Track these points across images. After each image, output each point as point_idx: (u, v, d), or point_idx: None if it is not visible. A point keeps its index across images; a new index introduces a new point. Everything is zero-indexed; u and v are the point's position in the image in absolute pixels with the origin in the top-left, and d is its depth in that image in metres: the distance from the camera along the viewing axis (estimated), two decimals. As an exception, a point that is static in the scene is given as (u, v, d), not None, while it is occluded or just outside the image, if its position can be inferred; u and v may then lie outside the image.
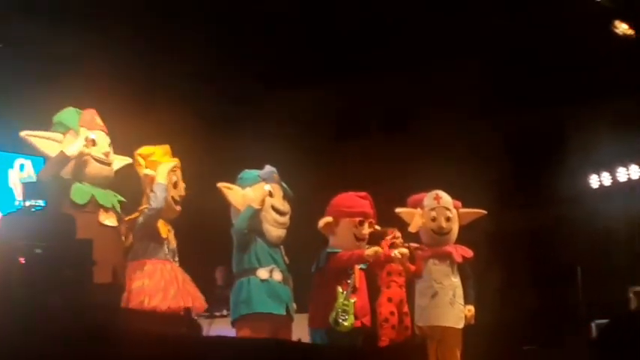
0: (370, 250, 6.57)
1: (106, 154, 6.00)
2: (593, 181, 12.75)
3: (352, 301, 6.55)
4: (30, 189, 5.12)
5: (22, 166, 9.43)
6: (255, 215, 6.38)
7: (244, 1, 10.83)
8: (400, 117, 14.69)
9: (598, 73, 11.92)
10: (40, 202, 4.93)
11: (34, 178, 6.08)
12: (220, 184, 6.56)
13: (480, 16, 11.76)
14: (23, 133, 5.89)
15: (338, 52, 12.65)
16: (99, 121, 6.13)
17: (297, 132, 13.23)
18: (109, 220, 5.87)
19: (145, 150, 6.35)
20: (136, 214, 6.13)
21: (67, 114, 6.04)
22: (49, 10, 9.27)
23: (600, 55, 11.59)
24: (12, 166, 9.42)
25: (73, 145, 5.82)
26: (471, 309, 7.19)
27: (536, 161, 13.65)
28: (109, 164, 6.04)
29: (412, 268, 7.07)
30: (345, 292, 6.57)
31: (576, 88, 12.45)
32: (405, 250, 6.87)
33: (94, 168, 5.92)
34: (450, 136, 13.61)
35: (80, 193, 5.77)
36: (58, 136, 5.97)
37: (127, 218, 6.11)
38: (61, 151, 5.77)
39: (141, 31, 10.09)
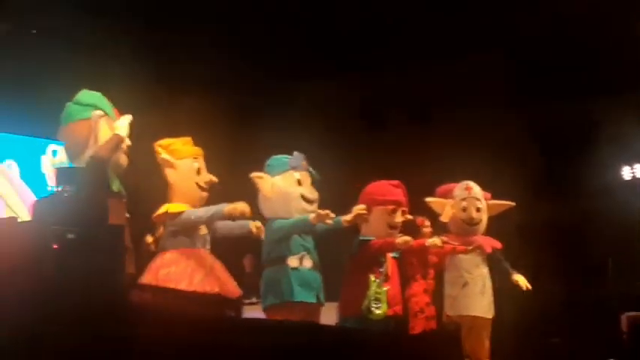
0: (401, 239, 6.57)
1: (128, 147, 6.01)
2: (625, 172, 12.68)
3: (385, 289, 6.58)
4: (63, 174, 5.14)
5: (54, 152, 9.50)
6: (308, 226, 6.34)
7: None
8: (431, 107, 14.64)
9: (631, 64, 11.81)
10: (73, 188, 4.94)
11: (66, 164, 6.07)
12: (253, 174, 6.57)
13: (511, 5, 11.67)
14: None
15: (365, 41, 12.61)
16: (117, 111, 6.15)
17: (325, 122, 13.22)
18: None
19: (164, 141, 6.36)
20: (165, 208, 6.10)
21: (100, 98, 6.02)
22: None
23: (635, 45, 11.49)
24: (45, 152, 9.50)
25: (122, 129, 5.81)
26: (520, 278, 7.19)
27: (567, 153, 13.55)
28: (127, 155, 6.05)
29: (452, 250, 7.07)
30: (377, 281, 6.60)
31: (608, 79, 12.34)
32: (438, 240, 6.86)
33: (122, 158, 5.94)
34: (481, 127, 13.54)
35: (114, 181, 5.81)
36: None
37: (156, 213, 6.11)
38: (117, 134, 5.76)
39: (163, 21, 10.12)
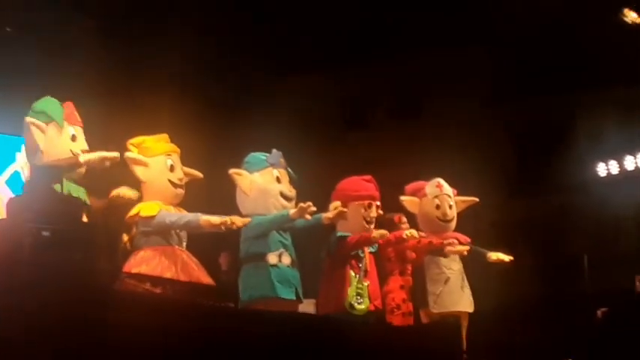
0: (377, 232, 6.62)
1: (84, 152, 5.99)
2: (601, 169, 12.75)
3: (366, 284, 6.65)
4: (35, 173, 5.14)
5: (27, 151, 9.44)
6: (288, 221, 6.35)
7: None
8: (407, 105, 14.68)
9: (606, 61, 11.89)
10: (46, 185, 4.93)
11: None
12: (231, 171, 6.56)
13: (488, 4, 11.73)
14: (29, 119, 5.91)
15: (346, 39, 12.63)
16: (77, 116, 6.13)
17: (303, 119, 13.23)
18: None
19: (136, 139, 6.32)
20: (137, 209, 6.05)
21: (51, 104, 6.02)
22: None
23: (608, 43, 11.56)
24: (19, 149, 9.44)
25: (86, 157, 5.77)
26: (496, 254, 7.26)
27: (543, 149, 13.63)
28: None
29: (428, 243, 7.11)
30: (357, 276, 6.63)
31: (583, 77, 12.42)
32: (415, 232, 6.91)
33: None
34: (457, 124, 13.60)
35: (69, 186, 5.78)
36: (41, 125, 5.99)
37: (129, 214, 6.07)
38: (77, 158, 5.73)
39: (146, 16, 10.09)
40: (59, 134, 5.89)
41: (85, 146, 5.98)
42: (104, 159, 5.75)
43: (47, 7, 9.19)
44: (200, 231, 6.05)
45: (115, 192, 5.99)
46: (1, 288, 4.07)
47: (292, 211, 6.30)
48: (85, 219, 5.56)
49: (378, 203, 6.93)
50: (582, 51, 12.05)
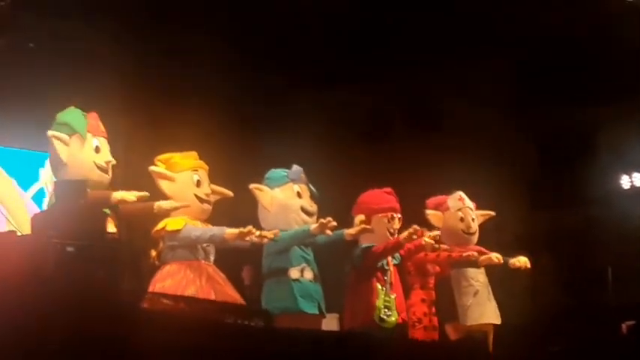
0: (404, 234, 6.60)
1: (107, 163, 6.00)
2: (625, 181, 12.68)
3: (393, 296, 6.64)
4: (60, 188, 5.14)
5: (51, 163, 9.48)
6: (309, 237, 6.35)
7: (271, 1, 10.85)
8: (428, 117, 14.64)
9: (630, 73, 11.84)
10: (71, 201, 4.93)
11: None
12: (252, 186, 6.57)
13: (510, 14, 11.70)
14: (51, 133, 5.92)
15: (365, 52, 12.62)
16: (102, 127, 6.14)
17: (323, 131, 13.22)
18: (109, 226, 5.86)
19: (163, 155, 6.34)
20: (163, 224, 6.06)
21: (74, 116, 6.03)
22: (80, 10, 9.33)
23: (633, 55, 11.52)
24: (43, 165, 9.48)
25: (123, 195, 5.74)
26: (516, 259, 7.20)
27: (566, 161, 13.55)
28: (107, 172, 6.04)
29: (447, 257, 7.09)
30: (384, 289, 6.62)
31: (607, 88, 12.36)
32: (435, 233, 6.89)
33: (95, 175, 5.93)
34: (479, 136, 13.55)
35: None
36: (64, 137, 5.99)
37: (156, 229, 6.08)
38: (110, 195, 5.71)
39: (168, 31, 10.13)
40: (82, 146, 5.91)
41: (109, 157, 6.01)
42: (139, 198, 5.75)
43: (70, 21, 9.25)
44: (226, 245, 6.06)
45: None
46: (25, 304, 4.08)
47: (313, 227, 6.31)
48: (111, 228, 5.61)
49: (400, 216, 6.92)
50: (607, 62, 11.99)
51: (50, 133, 5.90)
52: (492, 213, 7.62)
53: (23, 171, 9.40)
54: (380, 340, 6.16)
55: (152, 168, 6.20)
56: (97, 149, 5.99)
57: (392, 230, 6.84)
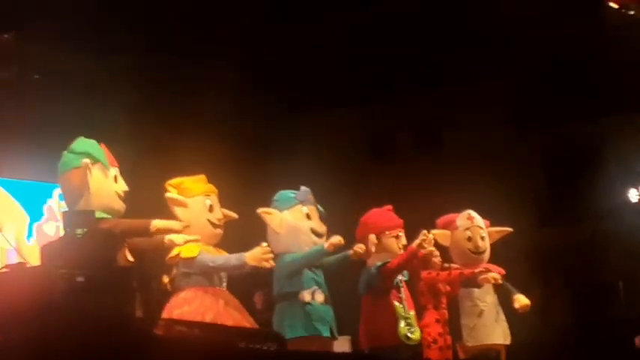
0: (416, 241, 6.59)
1: (125, 192, 6.01)
2: (632, 195, 12.67)
3: (412, 313, 6.65)
4: (69, 218, 5.14)
5: (61, 196, 9.51)
6: (323, 255, 6.35)
7: (278, 24, 10.91)
8: (434, 136, 14.66)
9: (636, 86, 11.85)
10: (80, 232, 4.93)
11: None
12: (260, 210, 6.55)
13: (515, 33, 11.74)
14: (85, 161, 5.88)
15: (370, 75, 12.66)
16: (112, 157, 6.16)
17: (330, 153, 13.24)
18: (129, 255, 5.86)
19: (175, 180, 6.34)
20: (177, 250, 6.05)
21: (92, 146, 6.01)
22: (85, 42, 9.39)
23: (637, 67, 11.53)
24: (51, 196, 9.51)
25: (161, 223, 5.77)
26: (518, 296, 7.16)
27: (574, 176, 13.54)
28: (124, 201, 6.04)
29: (459, 275, 7.07)
30: (402, 306, 6.62)
31: (613, 102, 12.36)
32: (432, 248, 6.87)
33: (117, 204, 5.94)
34: (485, 153, 13.55)
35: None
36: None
37: (169, 256, 6.06)
38: (149, 224, 5.73)
39: (173, 57, 10.18)
40: (105, 176, 5.90)
41: (125, 187, 6.01)
42: (172, 230, 5.75)
43: (74, 53, 9.30)
44: (243, 271, 6.06)
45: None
46: (35, 334, 4.07)
47: (327, 244, 6.30)
48: (129, 257, 5.61)
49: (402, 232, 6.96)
50: (612, 76, 12.01)
51: (84, 161, 5.84)
52: (509, 229, 7.57)
53: (30, 202, 9.43)
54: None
55: (168, 195, 6.20)
56: (115, 179, 6.00)
57: (400, 246, 6.85)
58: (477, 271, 7.08)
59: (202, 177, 6.39)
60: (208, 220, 6.20)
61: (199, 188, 6.29)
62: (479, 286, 7.16)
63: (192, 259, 5.95)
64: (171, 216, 6.14)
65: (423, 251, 6.78)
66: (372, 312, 6.73)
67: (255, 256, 5.91)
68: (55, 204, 9.45)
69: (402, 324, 6.59)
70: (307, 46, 11.37)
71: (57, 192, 9.49)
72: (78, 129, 6.28)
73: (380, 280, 6.71)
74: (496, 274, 7.14)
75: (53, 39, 9.19)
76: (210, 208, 6.24)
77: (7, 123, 8.78)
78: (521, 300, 7.20)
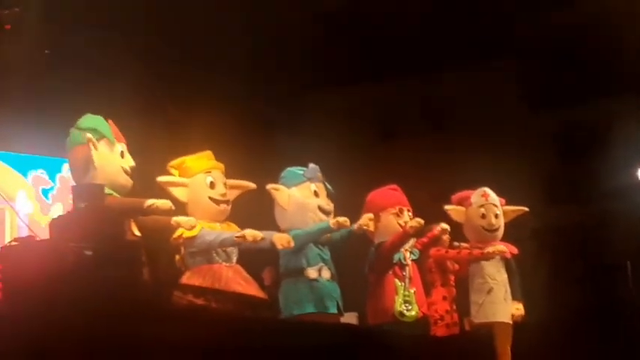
0: (412, 222, 6.62)
1: (132, 168, 6.01)
2: (641, 174, 12.65)
3: (412, 290, 6.67)
4: (78, 192, 5.16)
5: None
6: (328, 231, 6.36)
7: (285, 2, 10.87)
8: (444, 115, 14.64)
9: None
10: (89, 205, 4.95)
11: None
12: (269, 186, 6.55)
13: (527, 11, 11.69)
14: (88, 136, 5.88)
15: (380, 52, 12.63)
16: (120, 133, 6.16)
17: (339, 131, 13.22)
18: (135, 229, 5.88)
19: (176, 161, 6.33)
20: (180, 231, 6.04)
21: (99, 121, 6.02)
22: (96, 19, 9.38)
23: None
24: (60, 171, 9.54)
25: (156, 202, 5.71)
26: (519, 307, 7.20)
27: (582, 156, 13.52)
28: (131, 177, 6.05)
29: (469, 254, 7.10)
30: (403, 284, 6.65)
31: (621, 80, 12.32)
32: (446, 225, 6.89)
33: (122, 179, 5.95)
34: (495, 133, 13.53)
35: None
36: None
37: (174, 236, 6.07)
38: (142, 203, 5.72)
39: (179, 36, 10.17)
40: (111, 151, 5.91)
41: (132, 162, 6.02)
42: (170, 210, 5.76)
43: (85, 29, 9.29)
44: (240, 246, 6.06)
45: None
46: (44, 307, 4.10)
47: (332, 222, 6.32)
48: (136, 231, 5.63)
49: (409, 209, 6.95)
50: (619, 54, 11.96)
51: (87, 135, 5.86)
52: (525, 209, 7.56)
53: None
54: (379, 334, 6.19)
55: (160, 179, 6.18)
56: (122, 154, 6.01)
57: (402, 224, 6.85)
58: (486, 251, 7.09)
59: (207, 153, 6.36)
60: (210, 198, 6.18)
61: (200, 166, 6.27)
62: (488, 259, 7.18)
63: (194, 237, 5.96)
64: (170, 198, 6.11)
65: (436, 233, 6.80)
66: (373, 290, 6.79)
67: (246, 235, 5.88)
68: (65, 178, 9.49)
69: (399, 301, 6.62)
70: (316, 27, 11.34)
71: (66, 166, 9.52)
72: (87, 104, 6.30)
73: (377, 258, 6.75)
74: (502, 246, 7.15)
75: (63, 14, 9.19)
76: (212, 185, 6.22)
77: (17, 97, 8.80)
78: (515, 308, 7.20)
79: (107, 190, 5.56)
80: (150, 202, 5.63)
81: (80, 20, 9.26)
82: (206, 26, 10.35)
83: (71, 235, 4.56)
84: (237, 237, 5.90)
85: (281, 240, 6.03)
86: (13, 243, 4.90)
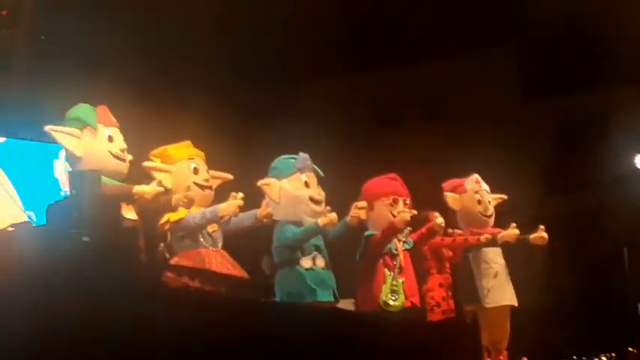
0: (399, 217, 6.62)
1: (123, 151, 6.04)
2: (638, 161, 12.63)
3: (401, 280, 6.66)
4: (75, 179, 5.17)
5: (67, 157, 9.52)
6: (319, 231, 6.38)
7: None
8: (441, 102, 14.63)
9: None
10: (85, 191, 4.96)
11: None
12: (260, 183, 6.55)
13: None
14: (48, 128, 5.97)
15: (371, 41, 12.61)
16: (112, 117, 6.18)
17: (334, 121, 13.21)
18: (130, 213, 5.89)
19: (158, 150, 6.36)
20: (167, 216, 6.06)
21: (83, 110, 6.10)
22: (91, 6, 9.37)
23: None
24: (57, 157, 9.52)
25: (143, 188, 5.76)
26: (536, 234, 7.21)
27: (580, 143, 13.52)
28: (124, 160, 6.07)
29: (464, 241, 7.13)
30: (392, 273, 6.65)
31: (618, 69, 12.31)
32: (442, 220, 6.90)
33: (112, 164, 5.96)
34: (492, 120, 13.52)
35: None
36: (75, 131, 6.04)
37: (160, 222, 6.08)
38: (130, 190, 5.74)
39: (172, 24, 10.15)
40: (94, 137, 5.96)
41: (123, 145, 6.05)
42: (158, 194, 5.76)
43: (80, 16, 9.28)
44: (224, 222, 6.09)
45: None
46: (42, 294, 4.10)
47: (322, 221, 6.30)
48: (131, 215, 5.64)
49: (406, 199, 6.93)
50: (619, 44, 11.95)
51: (60, 129, 5.92)
52: (504, 196, 7.62)
53: (36, 163, 9.43)
54: (364, 320, 6.22)
55: (146, 163, 6.21)
56: (110, 138, 6.03)
57: (395, 213, 6.84)
58: (482, 238, 7.12)
59: (187, 142, 6.42)
60: (195, 183, 6.23)
61: (182, 153, 6.32)
62: (497, 244, 7.22)
63: (180, 220, 5.99)
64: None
65: (434, 226, 6.83)
66: (363, 278, 6.81)
67: (229, 207, 5.92)
68: (62, 165, 9.47)
69: (386, 291, 6.62)
70: (308, 15, 11.31)
71: (63, 153, 9.51)
72: (84, 92, 6.32)
73: (366, 249, 6.77)
74: (514, 230, 7.19)
75: (61, 2, 9.18)
76: (195, 171, 6.29)
77: (13, 83, 8.79)
78: (539, 235, 7.25)
79: (108, 181, 5.61)
80: (137, 188, 5.68)
81: (78, 8, 9.26)
82: (199, 16, 10.34)
83: (69, 221, 4.56)
84: (221, 209, 5.92)
85: (262, 211, 6.11)
86: (10, 229, 4.90)
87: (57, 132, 5.98)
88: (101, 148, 5.96)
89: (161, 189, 5.80)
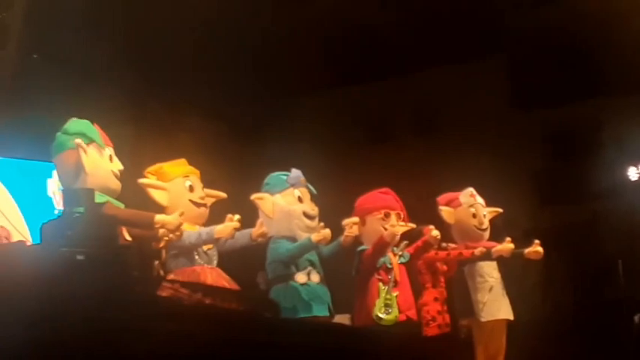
0: (388, 231, 6.64)
1: (120, 172, 6.01)
2: (632, 173, 12.66)
3: (394, 294, 6.64)
4: (69, 197, 5.14)
5: (68, 173, 9.50)
6: (312, 247, 6.36)
7: (269, 7, 10.87)
8: (432, 116, 14.64)
9: (636, 65, 11.84)
10: (80, 210, 4.93)
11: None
12: (253, 196, 6.55)
13: (514, 10, 11.71)
14: (77, 141, 5.86)
15: (364, 56, 12.64)
16: (107, 137, 6.15)
17: (325, 136, 13.22)
18: (126, 234, 5.86)
19: (152, 167, 6.34)
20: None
21: (86, 126, 6.01)
22: (82, 24, 9.38)
23: (634, 47, 11.52)
24: (50, 176, 9.49)
25: (165, 218, 5.72)
26: (531, 249, 7.18)
27: (573, 155, 13.54)
28: (120, 180, 6.04)
29: (458, 255, 7.12)
30: (386, 287, 6.64)
31: (610, 81, 12.35)
32: (437, 232, 6.89)
33: (114, 183, 5.94)
34: (485, 133, 13.54)
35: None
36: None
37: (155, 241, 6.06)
38: (153, 218, 5.70)
39: (165, 42, 10.16)
40: (101, 155, 5.90)
41: (120, 166, 6.02)
42: (180, 225, 5.73)
43: (72, 34, 9.29)
44: (222, 244, 6.07)
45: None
46: (36, 312, 4.08)
47: (315, 237, 6.29)
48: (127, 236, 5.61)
49: (399, 212, 6.93)
50: (612, 55, 11.99)
51: (76, 141, 5.83)
52: (499, 210, 7.63)
53: (27, 181, 9.41)
54: (360, 333, 6.21)
55: (141, 180, 6.18)
56: (111, 158, 6.00)
57: (388, 227, 6.83)
58: (476, 251, 7.11)
59: (182, 160, 6.40)
60: (190, 200, 6.21)
61: (178, 171, 6.30)
62: (492, 258, 7.21)
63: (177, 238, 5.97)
64: (149, 201, 6.12)
65: (428, 239, 6.81)
66: (358, 293, 6.82)
67: (225, 229, 5.90)
68: (55, 184, 9.44)
69: (379, 305, 6.61)
70: (304, 29, 11.34)
71: (55, 172, 9.48)
72: (74, 109, 6.29)
73: (359, 264, 6.77)
74: (508, 244, 7.17)
75: (52, 20, 9.18)
76: (191, 188, 6.26)
77: (8, 102, 8.78)
78: (534, 250, 7.24)
79: (101, 196, 5.55)
80: (159, 217, 5.64)
81: (68, 25, 9.26)
82: (192, 32, 10.35)
83: (63, 239, 4.54)
84: (217, 231, 5.90)
85: (256, 230, 6.09)
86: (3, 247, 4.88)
87: (80, 147, 5.89)
88: (106, 166, 5.92)
89: (183, 220, 5.75)
